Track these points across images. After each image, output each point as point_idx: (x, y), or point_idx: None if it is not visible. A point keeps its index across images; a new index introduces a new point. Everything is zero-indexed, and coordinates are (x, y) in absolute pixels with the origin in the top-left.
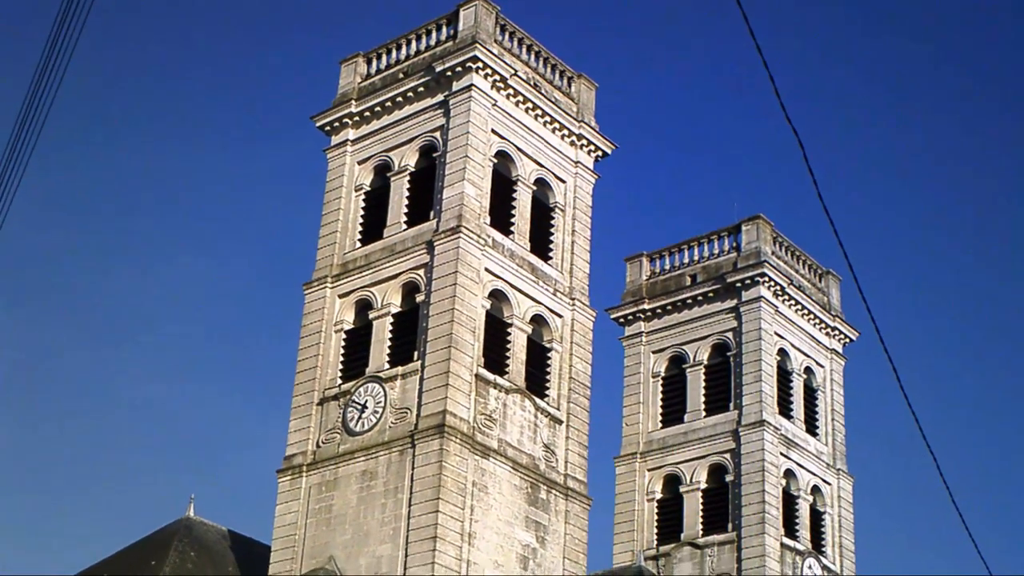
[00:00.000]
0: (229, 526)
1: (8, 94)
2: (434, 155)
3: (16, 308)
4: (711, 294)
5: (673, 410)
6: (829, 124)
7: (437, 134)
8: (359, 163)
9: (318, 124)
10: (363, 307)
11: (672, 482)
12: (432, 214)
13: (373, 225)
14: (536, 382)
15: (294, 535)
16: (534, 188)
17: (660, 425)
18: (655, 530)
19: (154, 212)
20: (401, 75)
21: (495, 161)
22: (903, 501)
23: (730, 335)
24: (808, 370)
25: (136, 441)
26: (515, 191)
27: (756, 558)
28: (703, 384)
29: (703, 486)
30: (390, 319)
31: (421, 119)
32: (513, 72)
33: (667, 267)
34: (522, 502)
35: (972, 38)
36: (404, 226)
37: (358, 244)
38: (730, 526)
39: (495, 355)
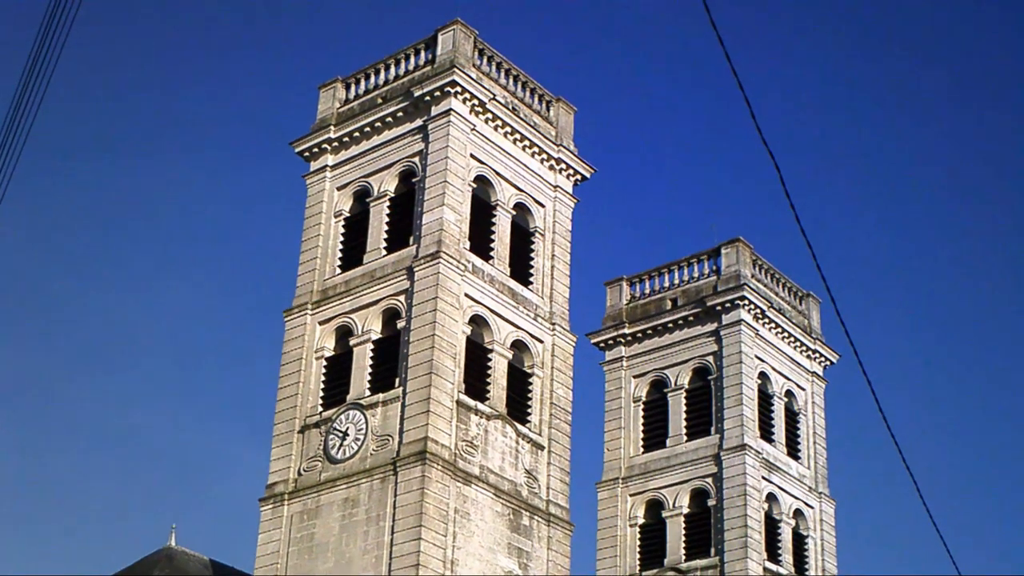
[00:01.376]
0: (211, 555)
1: None
2: (413, 180)
3: None
4: (691, 318)
5: (655, 435)
6: (808, 146)
7: (416, 159)
8: (338, 189)
9: (297, 150)
10: (344, 334)
11: (654, 507)
12: (412, 239)
13: (353, 251)
14: (517, 408)
15: (276, 564)
16: (513, 213)
17: (642, 450)
18: (638, 555)
19: (133, 238)
20: (380, 100)
21: (474, 186)
22: (885, 524)
23: (711, 359)
24: (789, 393)
25: (117, 470)
26: (494, 216)
27: None
28: (684, 408)
29: (685, 511)
30: (371, 346)
31: (400, 144)
32: (492, 96)
33: (647, 291)
34: (504, 528)
35: (956, 58)
36: (384, 252)
37: (338, 270)
38: (713, 551)
39: (476, 381)
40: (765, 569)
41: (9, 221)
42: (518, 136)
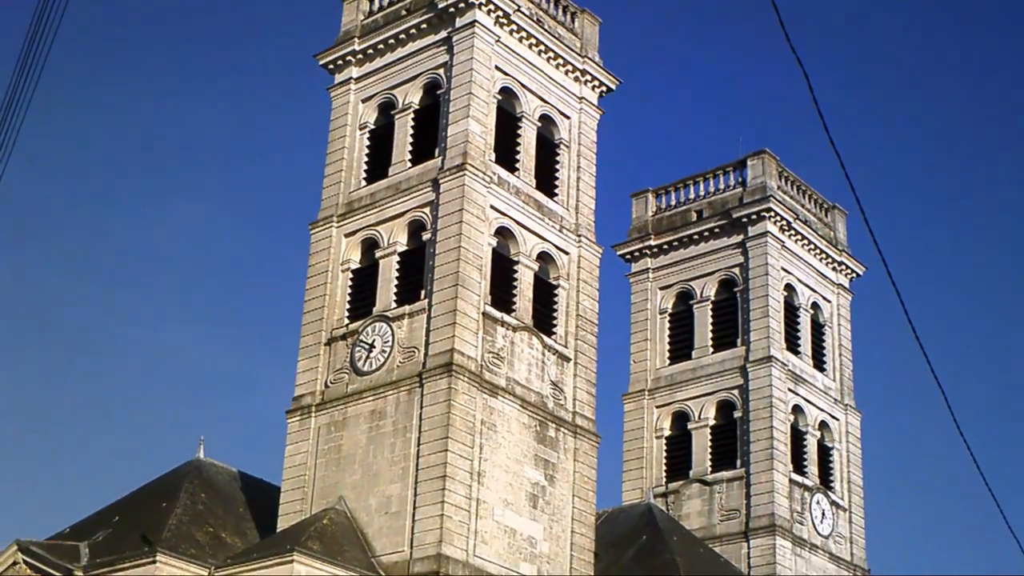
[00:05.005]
0: (239, 467)
1: (7, 37)
2: (438, 92)
3: (22, 253)
4: (717, 230)
5: (681, 347)
6: (835, 56)
7: (441, 71)
8: (363, 101)
9: (321, 62)
10: (369, 246)
11: (680, 419)
12: (437, 152)
13: (378, 164)
14: (543, 320)
15: (304, 476)
16: (538, 124)
17: (668, 362)
18: (664, 467)
19: (158, 154)
20: (404, 12)
21: (499, 98)
22: (911, 436)
23: (737, 271)
24: (815, 305)
25: (145, 384)
26: (520, 128)
27: (765, 494)
28: (710, 320)
29: (711, 423)
30: (396, 258)
31: (424, 56)
32: (516, 8)
33: (673, 203)
34: (531, 440)
35: None
36: (409, 164)
37: (363, 183)
38: (738, 462)
39: (502, 293)
40: (791, 480)
41: (33, 144)
42: (543, 47)
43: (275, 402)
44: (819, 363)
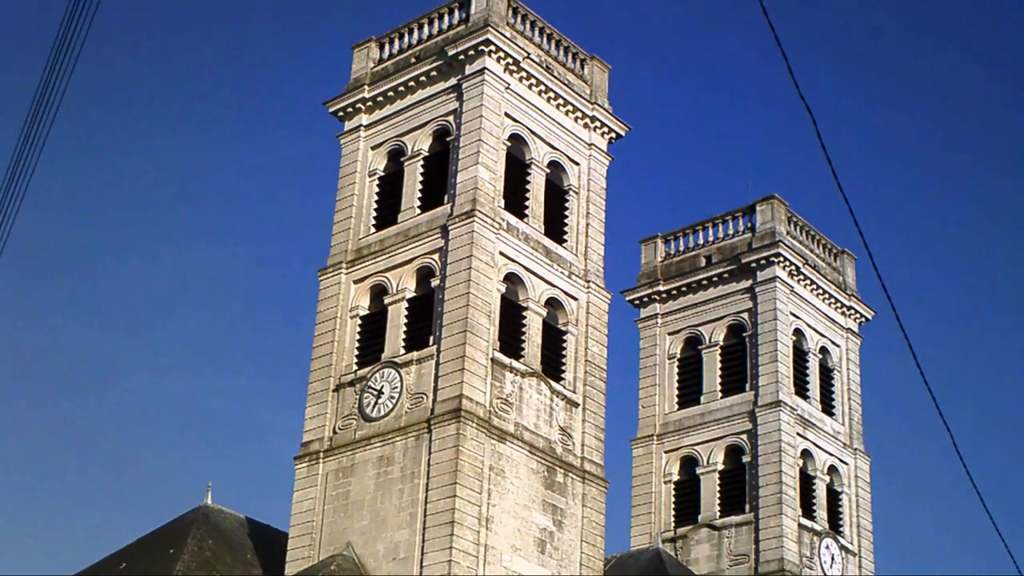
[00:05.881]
0: (247, 513)
1: (20, 81)
2: (448, 139)
3: (31, 298)
4: (726, 275)
5: (689, 392)
6: (842, 102)
7: (450, 118)
8: (373, 148)
9: (331, 110)
10: (378, 292)
11: (689, 464)
12: (446, 198)
13: (387, 210)
14: (552, 365)
15: (311, 522)
16: (548, 171)
17: (676, 407)
18: (672, 512)
19: (168, 201)
20: (413, 59)
21: (509, 144)
22: (920, 480)
23: (746, 316)
24: (824, 350)
25: (152, 430)
26: (529, 174)
27: (774, 539)
28: (719, 365)
29: (720, 467)
30: (405, 304)
31: (434, 103)
32: (526, 55)
33: (682, 248)
34: (539, 486)
35: (987, 15)
36: (418, 211)
37: (372, 229)
38: (747, 507)
39: (511, 339)
40: (800, 525)
41: (45, 187)
42: (552, 94)
43: (283, 448)
44: (828, 407)
